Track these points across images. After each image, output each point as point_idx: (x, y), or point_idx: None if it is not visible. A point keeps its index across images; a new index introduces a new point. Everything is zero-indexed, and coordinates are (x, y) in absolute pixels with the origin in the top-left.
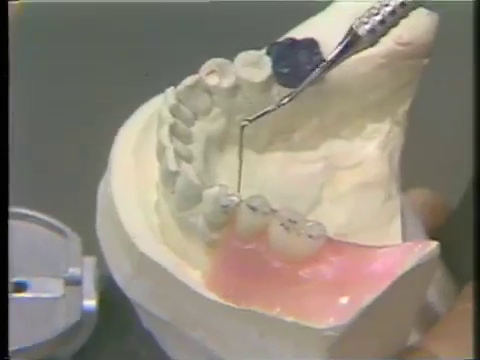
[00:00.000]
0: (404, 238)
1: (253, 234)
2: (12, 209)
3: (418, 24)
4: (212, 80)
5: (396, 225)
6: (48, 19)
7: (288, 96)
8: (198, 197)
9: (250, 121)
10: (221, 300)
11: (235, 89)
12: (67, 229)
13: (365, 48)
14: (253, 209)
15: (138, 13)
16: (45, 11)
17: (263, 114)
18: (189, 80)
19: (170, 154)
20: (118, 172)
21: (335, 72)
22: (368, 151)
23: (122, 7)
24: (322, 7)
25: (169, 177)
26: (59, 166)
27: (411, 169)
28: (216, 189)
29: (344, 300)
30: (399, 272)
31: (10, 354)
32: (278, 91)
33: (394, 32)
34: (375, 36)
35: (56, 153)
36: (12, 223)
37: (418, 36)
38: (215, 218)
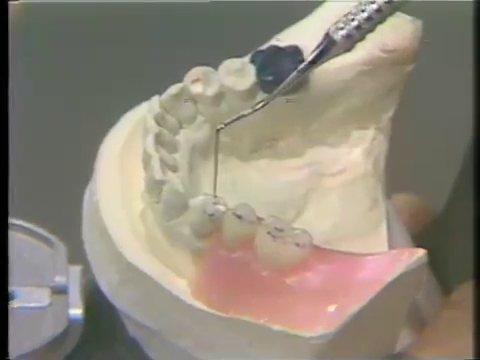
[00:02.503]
0: (390, 244)
1: (239, 242)
2: None
3: (402, 31)
4: (196, 88)
5: (382, 232)
6: (48, 19)
7: (262, 101)
8: (184, 206)
9: (225, 125)
10: (207, 308)
11: (219, 97)
12: (53, 238)
13: (341, 53)
14: (239, 217)
15: (138, 13)
16: (45, 11)
17: (238, 118)
18: (174, 89)
19: (156, 163)
20: (103, 180)
21: (319, 79)
22: (353, 158)
23: (122, 7)
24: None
25: (155, 186)
26: (44, 174)
27: (395, 174)
28: (202, 198)
29: (331, 308)
30: (387, 280)
31: None
32: (261, 97)
33: (379, 39)
34: (351, 41)
35: (41, 161)
36: None
37: (402, 43)
38: (201, 227)
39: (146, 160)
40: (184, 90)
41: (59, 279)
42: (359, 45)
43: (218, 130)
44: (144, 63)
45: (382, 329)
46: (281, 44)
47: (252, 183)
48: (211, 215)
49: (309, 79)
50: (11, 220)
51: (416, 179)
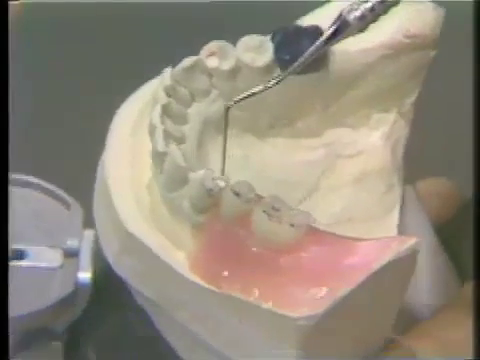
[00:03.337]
0: (402, 230)
1: (236, 219)
2: (17, 176)
3: (425, 17)
4: (212, 62)
5: (394, 217)
6: (48, 19)
7: (274, 79)
8: (184, 179)
9: (235, 102)
10: (203, 283)
11: (235, 72)
12: (71, 200)
13: (355, 34)
14: (237, 194)
15: (138, 13)
16: (45, 11)
17: (249, 96)
18: (187, 61)
19: (159, 134)
20: (113, 151)
21: (340, 60)
22: (372, 141)
23: (122, 7)
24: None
25: (157, 158)
26: (70, 137)
27: (425, 159)
28: (202, 172)
29: (320, 291)
30: (375, 267)
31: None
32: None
33: (401, 24)
34: (365, 23)
35: (66, 124)
36: (16, 190)
37: (424, 29)
38: (199, 201)
39: (151, 131)
40: (198, 63)
41: (72, 242)
42: (382, 29)
43: (228, 107)
44: (144, 63)
45: (373, 316)
46: (303, 24)
47: (265, 160)
48: (209, 190)
49: (329, 59)
50: (31, 179)
51: (447, 165)
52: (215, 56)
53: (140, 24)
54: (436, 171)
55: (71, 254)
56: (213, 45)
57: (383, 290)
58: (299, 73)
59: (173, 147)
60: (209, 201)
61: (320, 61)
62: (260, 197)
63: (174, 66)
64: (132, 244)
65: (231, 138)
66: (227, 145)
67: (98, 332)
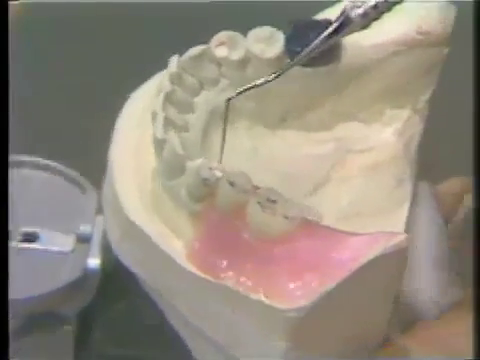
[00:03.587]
0: (411, 226)
1: (232, 209)
2: (35, 159)
3: (437, 15)
4: (221, 51)
5: (403, 212)
6: (48, 19)
7: (275, 72)
8: (182, 168)
9: (237, 94)
10: (199, 272)
11: (245, 62)
12: (87, 184)
13: (358, 30)
14: (232, 185)
15: (138, 13)
16: (45, 11)
17: (251, 88)
18: (195, 50)
19: (160, 122)
20: (120, 139)
21: (352, 55)
22: (384, 136)
23: (122, 7)
24: (323, 7)
25: (157, 145)
26: (90, 122)
27: (451, 157)
28: (199, 161)
29: (310, 283)
30: (362, 261)
31: (12, 304)
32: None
33: (414, 21)
34: (367, 20)
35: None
36: (34, 173)
37: (437, 26)
38: (196, 190)
39: (153, 118)
40: (206, 52)
41: (85, 227)
42: (394, 26)
43: (229, 99)
44: (144, 63)
45: (365, 311)
46: (318, 18)
47: (274, 152)
48: (205, 179)
49: (340, 53)
50: (49, 162)
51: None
52: (224, 46)
53: (140, 24)
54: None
55: (83, 239)
56: (223, 35)
57: (374, 284)
58: (307, 66)
59: (172, 134)
60: (205, 190)
61: (329, 55)
62: (256, 188)
63: None
64: (132, 231)
65: (241, 129)
66: (236, 136)
67: (108, 318)
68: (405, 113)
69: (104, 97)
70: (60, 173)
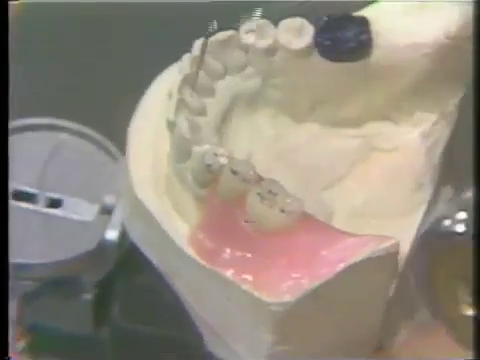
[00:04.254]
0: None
1: (233, 197)
2: (68, 124)
3: (465, 19)
4: (248, 38)
5: (417, 217)
6: (48, 19)
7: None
8: (189, 152)
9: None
10: (197, 257)
11: (272, 51)
12: (118, 154)
13: None
14: (235, 173)
15: (138, 13)
16: (45, 11)
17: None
18: (222, 35)
19: (173, 104)
20: (140, 118)
21: (383, 54)
22: (410, 137)
23: (122, 7)
24: (324, 7)
25: (169, 127)
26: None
27: None
28: (205, 147)
29: (298, 279)
30: (349, 262)
31: (30, 267)
32: (318, 60)
33: (444, 24)
34: None
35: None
36: (66, 137)
37: (466, 31)
38: (200, 175)
39: (167, 100)
40: (234, 37)
41: (109, 198)
42: (426, 28)
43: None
44: (144, 63)
45: (353, 313)
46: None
47: (297, 143)
48: (209, 165)
49: (371, 51)
50: (82, 128)
51: None
52: (252, 33)
53: (140, 24)
54: None
55: (106, 210)
56: (252, 23)
57: (362, 287)
58: (336, 61)
59: (181, 118)
60: (209, 176)
61: (360, 51)
62: (260, 179)
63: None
64: (140, 209)
65: (265, 117)
66: (259, 123)
67: (127, 293)
68: (433, 116)
69: (104, 97)
70: (96, 142)
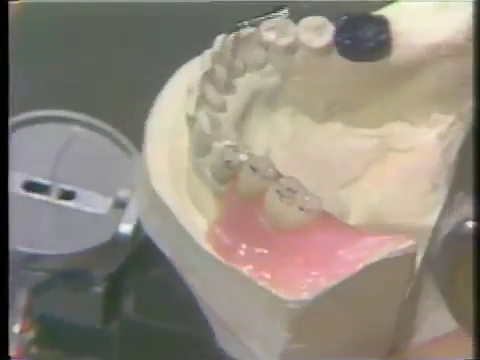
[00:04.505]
0: (436, 233)
1: (251, 194)
2: (84, 117)
3: (469, 18)
4: (269, 36)
5: (432, 218)
6: (48, 19)
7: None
8: (208, 147)
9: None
10: (213, 252)
11: (292, 49)
12: (133, 149)
13: None
14: (254, 170)
15: (138, 13)
16: (45, 11)
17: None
18: (243, 32)
19: (193, 99)
20: (160, 111)
21: (404, 54)
22: (426, 138)
23: (122, 7)
24: (324, 8)
25: (189, 122)
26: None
27: None
28: (225, 143)
29: (316, 277)
30: (366, 262)
31: (41, 258)
32: (338, 59)
33: (461, 26)
34: None
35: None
36: (81, 131)
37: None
38: (219, 171)
39: (189, 95)
40: (254, 35)
41: (123, 192)
42: (444, 28)
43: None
44: (144, 63)
45: (368, 315)
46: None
47: (314, 141)
48: (228, 162)
49: (390, 50)
50: (97, 121)
51: None
52: (273, 31)
53: (140, 24)
54: None
55: (120, 204)
56: (273, 21)
57: (379, 287)
58: (356, 60)
59: (201, 113)
60: (228, 172)
61: (379, 51)
62: (279, 176)
63: (175, 66)
64: (157, 202)
65: (284, 116)
66: (278, 121)
67: (139, 287)
68: (450, 118)
69: (104, 97)
70: (108, 135)
